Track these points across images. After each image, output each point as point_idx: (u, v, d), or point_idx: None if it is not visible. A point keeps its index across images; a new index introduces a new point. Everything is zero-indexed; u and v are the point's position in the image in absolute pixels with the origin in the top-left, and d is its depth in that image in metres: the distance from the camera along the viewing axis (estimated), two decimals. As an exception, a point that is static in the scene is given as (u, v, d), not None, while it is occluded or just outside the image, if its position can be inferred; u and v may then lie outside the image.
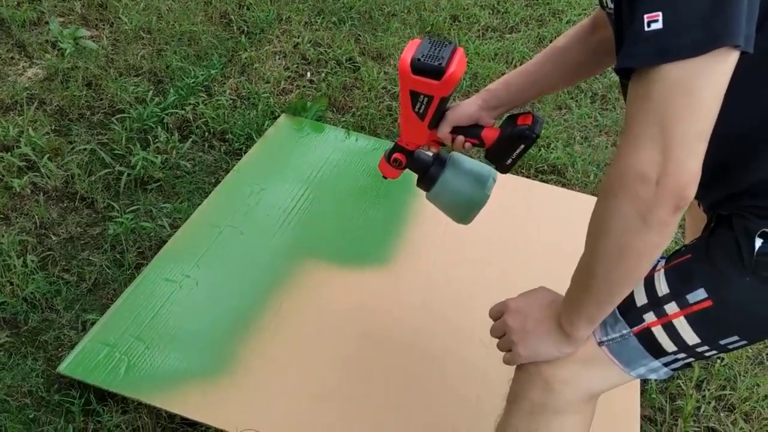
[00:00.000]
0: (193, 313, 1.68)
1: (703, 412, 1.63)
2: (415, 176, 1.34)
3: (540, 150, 2.36)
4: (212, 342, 1.62)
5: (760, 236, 0.86)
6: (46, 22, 2.72)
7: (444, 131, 1.23)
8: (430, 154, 1.32)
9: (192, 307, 1.70)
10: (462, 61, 1.12)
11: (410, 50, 1.12)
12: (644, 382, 1.65)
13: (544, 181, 2.25)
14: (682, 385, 1.67)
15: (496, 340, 1.06)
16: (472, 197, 1.28)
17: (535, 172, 2.30)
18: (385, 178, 1.38)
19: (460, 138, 1.24)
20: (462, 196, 1.29)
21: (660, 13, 0.71)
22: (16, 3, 2.81)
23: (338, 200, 2.05)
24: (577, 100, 2.63)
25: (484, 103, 1.24)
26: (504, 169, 1.25)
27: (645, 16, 0.72)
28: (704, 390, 1.67)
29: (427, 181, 1.31)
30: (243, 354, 1.60)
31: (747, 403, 1.65)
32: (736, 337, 0.93)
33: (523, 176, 2.24)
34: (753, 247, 0.87)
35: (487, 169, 1.31)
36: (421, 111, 1.17)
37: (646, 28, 0.72)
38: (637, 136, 0.76)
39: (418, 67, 1.10)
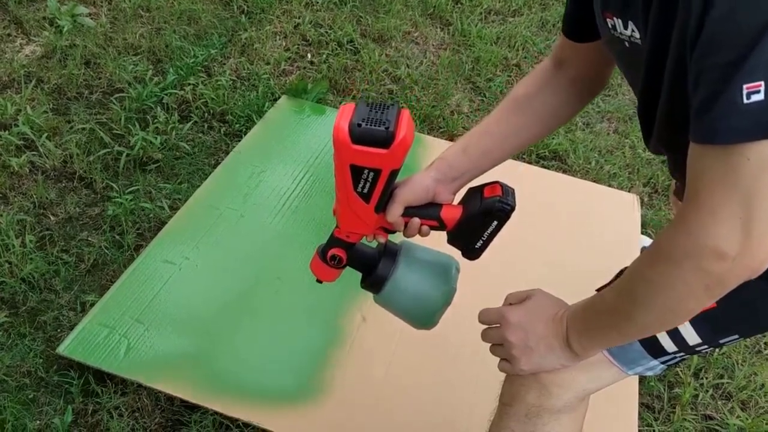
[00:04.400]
0: (192, 295, 1.68)
1: (701, 400, 1.63)
2: (358, 274, 1.07)
3: (541, 135, 2.34)
4: (212, 324, 1.62)
5: None
6: (44, -1, 2.69)
7: (394, 214, 0.98)
8: (375, 246, 1.07)
9: (192, 289, 1.70)
10: (410, 124, 0.89)
11: (345, 116, 0.88)
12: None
13: (545, 168, 2.24)
14: (680, 373, 1.67)
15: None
16: (434, 296, 1.04)
17: (536, 158, 2.29)
18: (320, 281, 1.09)
19: (416, 221, 1.01)
20: (423, 296, 1.04)
21: (762, 84, 0.64)
22: (13, -22, 2.77)
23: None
24: (579, 86, 2.61)
25: (441, 175, 1.04)
26: (473, 255, 1.04)
27: (744, 86, 0.65)
28: (702, 378, 1.68)
29: (375, 282, 1.04)
30: (242, 336, 1.60)
31: (744, 391, 1.66)
32: (735, 336, 0.94)
33: (524, 162, 2.23)
34: None
35: (446, 256, 1.08)
36: (365, 191, 0.93)
37: (746, 100, 0.65)
38: (715, 211, 0.70)
39: (360, 135, 0.86)
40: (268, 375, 1.53)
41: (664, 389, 1.64)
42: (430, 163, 1.06)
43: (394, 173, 0.92)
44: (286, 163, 2.09)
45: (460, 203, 1.03)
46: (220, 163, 2.08)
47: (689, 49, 0.71)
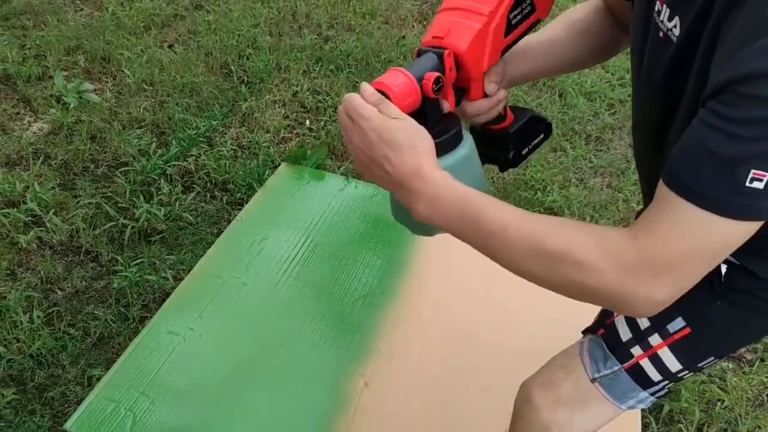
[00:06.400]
0: (196, 366, 1.70)
1: (705, 455, 1.64)
2: None
3: (536, 193, 2.40)
4: (216, 394, 1.64)
5: (723, 263, 0.91)
6: (51, 77, 2.79)
7: (500, 71, 0.94)
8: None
9: (196, 359, 1.72)
10: None
11: None
12: (646, 426, 1.66)
13: (541, 224, 2.28)
14: (683, 429, 1.68)
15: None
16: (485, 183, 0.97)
17: (532, 215, 2.33)
18: (386, 96, 0.86)
19: (503, 93, 0.96)
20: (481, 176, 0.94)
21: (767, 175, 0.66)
22: (21, 59, 2.88)
23: (339, 247, 2.08)
24: (571, 142, 2.68)
25: (508, 66, 1.00)
26: (515, 161, 1.03)
27: (752, 171, 0.67)
28: (705, 433, 1.68)
29: (449, 142, 0.88)
30: (246, 405, 1.62)
31: (748, 445, 1.66)
32: (712, 358, 1.00)
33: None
34: (720, 273, 0.92)
35: None
36: (515, 21, 0.88)
37: (747, 183, 0.67)
38: (673, 268, 0.71)
39: None
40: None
41: (668, 446, 1.64)
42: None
43: (538, 21, 0.93)
44: (287, 230, 2.14)
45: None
46: (222, 231, 2.13)
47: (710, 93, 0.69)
